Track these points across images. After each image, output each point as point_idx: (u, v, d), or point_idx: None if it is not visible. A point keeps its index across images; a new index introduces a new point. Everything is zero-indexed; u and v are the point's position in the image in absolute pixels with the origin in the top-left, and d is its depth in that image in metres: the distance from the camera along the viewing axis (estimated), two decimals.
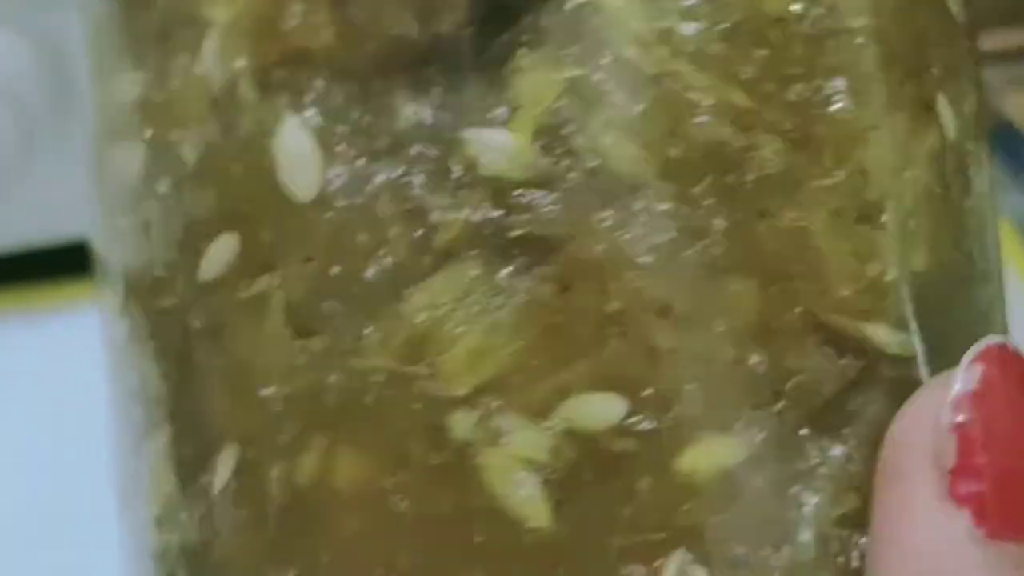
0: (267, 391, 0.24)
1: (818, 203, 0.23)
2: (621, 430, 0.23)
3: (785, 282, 0.23)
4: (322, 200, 0.23)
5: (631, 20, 0.23)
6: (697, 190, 0.23)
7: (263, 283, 0.24)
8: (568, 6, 0.23)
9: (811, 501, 0.23)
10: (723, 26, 0.23)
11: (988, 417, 0.21)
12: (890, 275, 0.23)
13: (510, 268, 0.23)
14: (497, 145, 0.23)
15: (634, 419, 0.23)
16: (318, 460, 0.24)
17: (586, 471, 0.23)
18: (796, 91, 0.23)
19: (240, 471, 0.24)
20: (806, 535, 0.23)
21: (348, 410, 0.23)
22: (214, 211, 0.24)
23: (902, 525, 0.22)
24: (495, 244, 0.23)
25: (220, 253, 0.24)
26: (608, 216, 0.23)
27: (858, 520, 0.23)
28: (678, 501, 0.23)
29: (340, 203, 0.23)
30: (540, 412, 0.23)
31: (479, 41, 0.23)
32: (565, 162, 0.23)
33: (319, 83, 0.24)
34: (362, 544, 0.23)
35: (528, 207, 0.23)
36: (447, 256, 0.23)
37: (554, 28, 0.23)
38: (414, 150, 0.23)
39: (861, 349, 0.23)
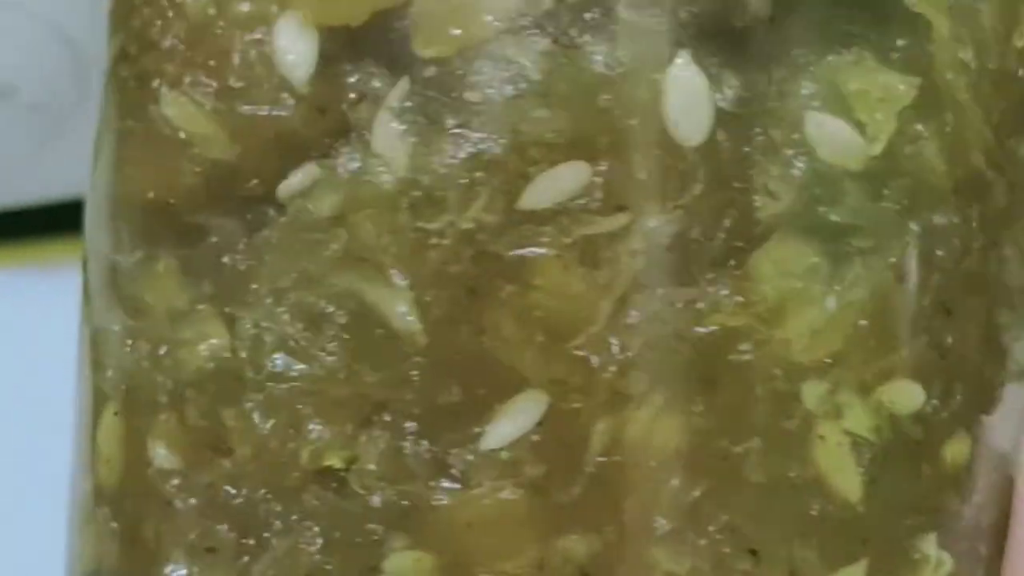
0: (603, 338, 0.22)
1: (1017, 241, 0.26)
2: (917, 417, 0.24)
3: (996, 306, 0.26)
4: (704, 147, 0.23)
5: (951, 47, 0.25)
6: (969, 212, 0.25)
7: (617, 222, 0.22)
8: (896, 14, 0.24)
9: (986, 506, 0.26)
10: (987, 71, 0.26)
11: None
12: None
13: (839, 248, 0.24)
14: (844, 137, 0.24)
15: (927, 408, 0.24)
16: (653, 416, 0.23)
17: (891, 452, 0.24)
18: (1011, 143, 0.26)
19: (547, 421, 0.22)
20: (986, 536, 0.26)
21: (700, 368, 0.23)
22: (560, 135, 0.22)
23: None
24: (820, 224, 0.24)
25: (560, 181, 0.22)
26: (922, 220, 0.24)
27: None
28: (939, 488, 0.25)
29: (713, 155, 0.23)
30: (867, 391, 0.24)
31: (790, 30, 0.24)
32: (886, 162, 0.24)
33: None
34: (698, 506, 0.23)
35: (855, 198, 0.24)
36: (772, 229, 0.23)
37: (878, 30, 0.24)
38: (750, 119, 0.23)
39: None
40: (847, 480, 0.23)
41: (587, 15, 0.22)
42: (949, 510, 0.25)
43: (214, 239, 0.24)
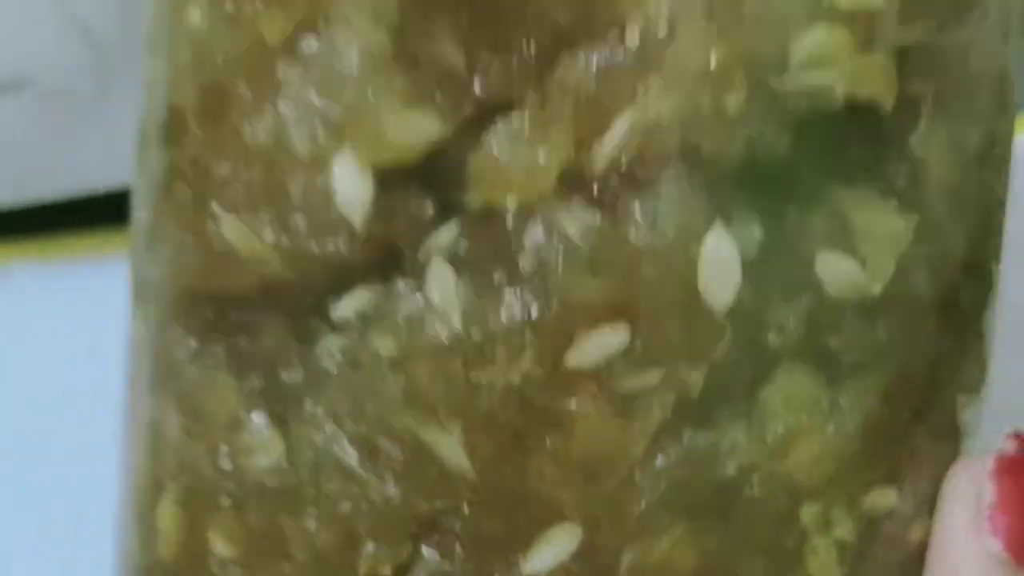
0: (632, 479, 0.25)
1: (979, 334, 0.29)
2: (890, 513, 0.28)
3: (959, 393, 0.29)
4: (733, 311, 0.25)
5: (945, 179, 0.27)
6: (943, 320, 0.28)
7: (648, 379, 0.25)
8: (898, 154, 0.27)
9: None
10: (969, 193, 0.28)
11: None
12: None
13: (839, 379, 0.27)
14: (850, 274, 0.26)
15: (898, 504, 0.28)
16: (672, 545, 0.26)
17: (872, 552, 0.27)
18: (979, 251, 0.29)
19: (582, 553, 0.25)
20: None
21: (717, 503, 0.26)
22: (603, 299, 0.25)
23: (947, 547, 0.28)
24: (820, 354, 0.27)
25: (602, 342, 0.25)
26: (907, 340, 0.27)
27: None
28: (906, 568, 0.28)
29: (739, 312, 0.25)
30: (854, 503, 0.27)
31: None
32: (883, 295, 0.27)
33: None
34: None
35: (852, 328, 0.27)
36: (777, 363, 0.26)
37: (881, 168, 0.27)
38: (768, 266, 0.26)
39: None
40: None
41: (632, 185, 0.24)
42: None
43: (267, 338, 0.26)
